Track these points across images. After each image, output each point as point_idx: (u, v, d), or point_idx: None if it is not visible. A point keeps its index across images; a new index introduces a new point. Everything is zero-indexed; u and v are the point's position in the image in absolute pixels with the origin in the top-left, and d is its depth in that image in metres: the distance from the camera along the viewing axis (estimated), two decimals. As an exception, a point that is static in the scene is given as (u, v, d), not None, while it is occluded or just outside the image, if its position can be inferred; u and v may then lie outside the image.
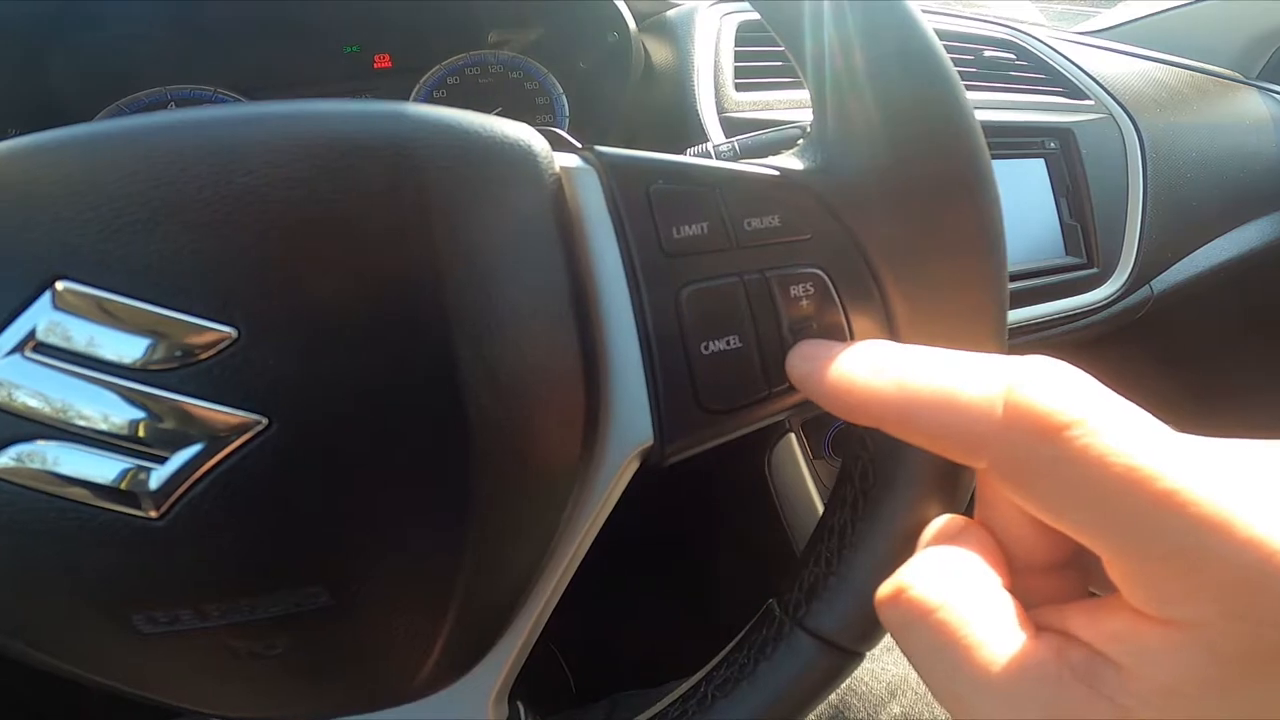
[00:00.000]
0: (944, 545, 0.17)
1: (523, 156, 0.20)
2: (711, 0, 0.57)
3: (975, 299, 0.23)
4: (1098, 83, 0.71)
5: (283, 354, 0.16)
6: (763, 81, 0.54)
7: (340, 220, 0.17)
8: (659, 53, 0.57)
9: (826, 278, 0.22)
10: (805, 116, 0.54)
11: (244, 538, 0.16)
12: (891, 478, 0.23)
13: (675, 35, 0.56)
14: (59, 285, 0.15)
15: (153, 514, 0.16)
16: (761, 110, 0.52)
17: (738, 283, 0.22)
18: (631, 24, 0.54)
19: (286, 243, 0.17)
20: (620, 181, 0.22)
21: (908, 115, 0.23)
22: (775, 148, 0.39)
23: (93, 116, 0.52)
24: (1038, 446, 0.14)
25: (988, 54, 0.65)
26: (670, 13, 0.59)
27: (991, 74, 0.65)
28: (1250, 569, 0.11)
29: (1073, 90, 0.69)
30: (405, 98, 0.60)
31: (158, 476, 0.16)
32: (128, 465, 0.15)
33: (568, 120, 0.62)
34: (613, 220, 0.22)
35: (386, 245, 0.18)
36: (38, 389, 0.15)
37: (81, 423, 0.15)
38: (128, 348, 0.15)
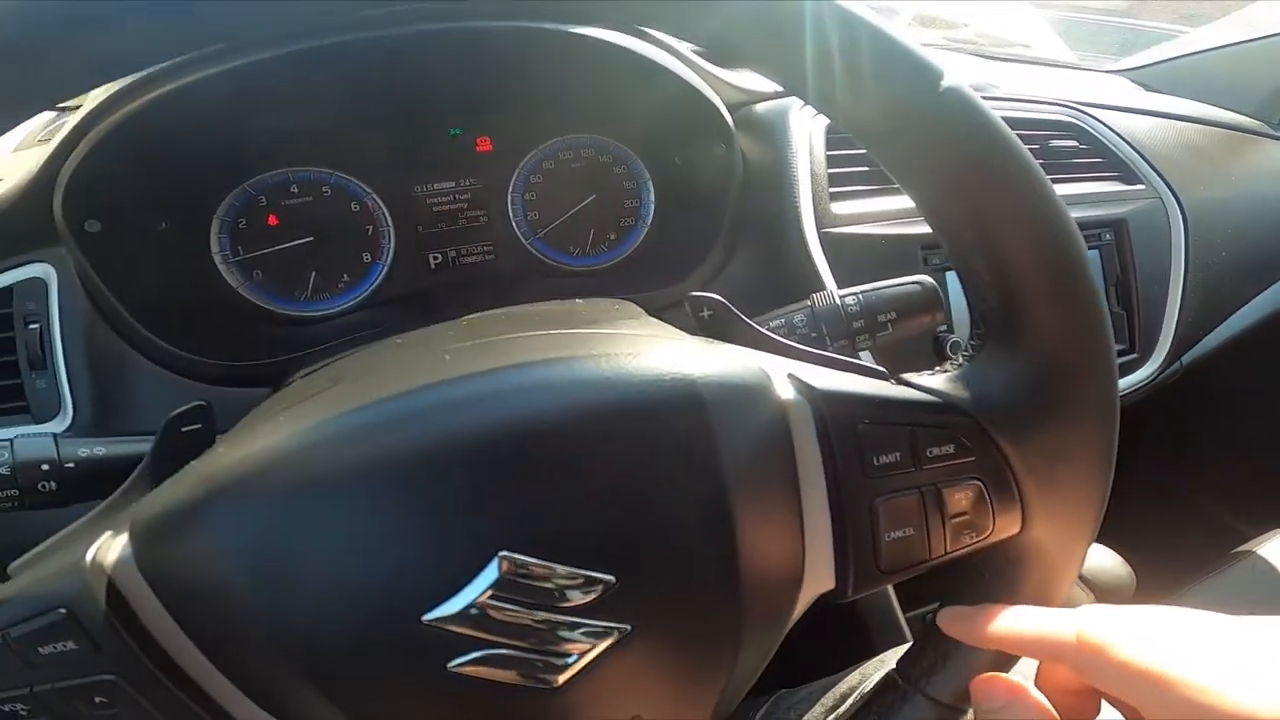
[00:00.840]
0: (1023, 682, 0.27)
1: (764, 395, 0.26)
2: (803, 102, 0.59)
3: (1086, 506, 0.30)
4: (1146, 159, 0.74)
5: (641, 584, 0.24)
6: (854, 190, 0.57)
7: (657, 475, 0.24)
8: (752, 150, 0.60)
9: (984, 486, 0.28)
10: (896, 230, 0.57)
11: (606, 696, 0.24)
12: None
13: (771, 137, 0.59)
14: (502, 553, 0.22)
15: (551, 687, 0.23)
16: (856, 225, 0.56)
17: (917, 495, 0.27)
18: (735, 135, 0.56)
19: (636, 503, 0.24)
20: (833, 418, 0.27)
21: (1063, 373, 0.28)
22: (896, 303, 0.43)
23: (214, 198, 0.55)
24: (1095, 658, 0.24)
25: (1053, 143, 0.68)
26: (761, 109, 0.61)
27: (1057, 164, 0.68)
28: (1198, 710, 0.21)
29: (1127, 174, 0.72)
30: (506, 180, 0.62)
31: (561, 666, 0.23)
32: (544, 659, 0.23)
33: (653, 209, 0.64)
34: (821, 448, 0.27)
35: (693, 483, 0.24)
36: (497, 614, 0.23)
37: (517, 634, 0.23)
38: (549, 592, 0.23)
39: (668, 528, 0.24)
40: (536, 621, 0.23)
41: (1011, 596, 0.30)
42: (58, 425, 0.46)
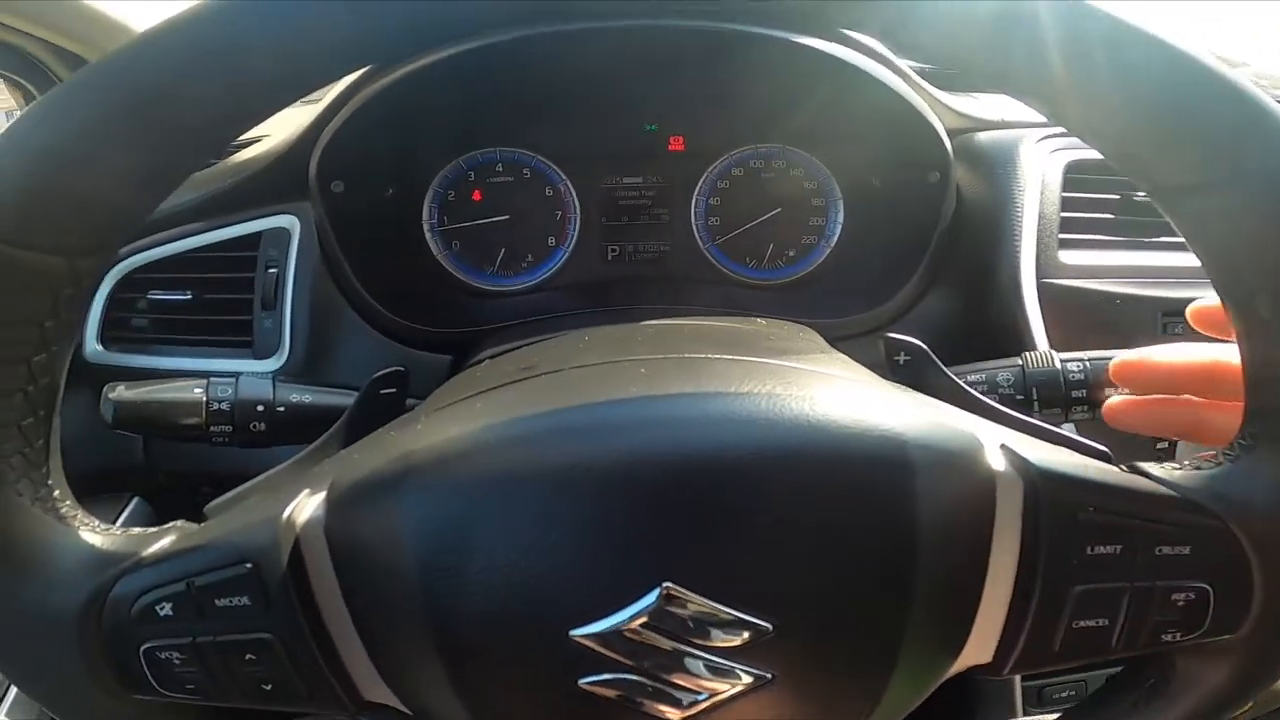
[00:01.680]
0: None
1: (974, 465, 0.24)
2: (1040, 134, 0.53)
3: None
4: None
5: (798, 637, 0.22)
6: (1089, 239, 0.50)
7: (846, 532, 0.22)
8: (968, 182, 0.54)
9: (1211, 592, 0.24)
10: (1134, 290, 0.49)
11: None
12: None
13: (993, 170, 0.53)
14: (666, 584, 0.21)
15: (680, 717, 0.23)
16: (1085, 278, 0.48)
17: (1127, 588, 0.24)
18: (953, 164, 0.51)
19: (817, 556, 0.22)
20: (1050, 500, 0.24)
21: None
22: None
23: (433, 169, 0.59)
24: None
25: None
26: (984, 139, 0.55)
27: None
28: None
29: None
30: (693, 182, 0.62)
31: (691, 703, 0.22)
32: (675, 694, 0.22)
33: (840, 230, 0.61)
34: (1024, 527, 0.24)
35: (883, 548, 0.22)
36: (640, 643, 0.22)
37: (656, 664, 0.22)
38: (702, 629, 0.22)
39: (842, 586, 0.22)
40: (678, 655, 0.22)
41: (1187, 700, 0.27)
42: (274, 363, 0.52)
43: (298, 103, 0.67)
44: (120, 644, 0.24)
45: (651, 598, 0.21)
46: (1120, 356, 0.34)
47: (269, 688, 0.24)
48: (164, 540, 0.25)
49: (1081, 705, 0.30)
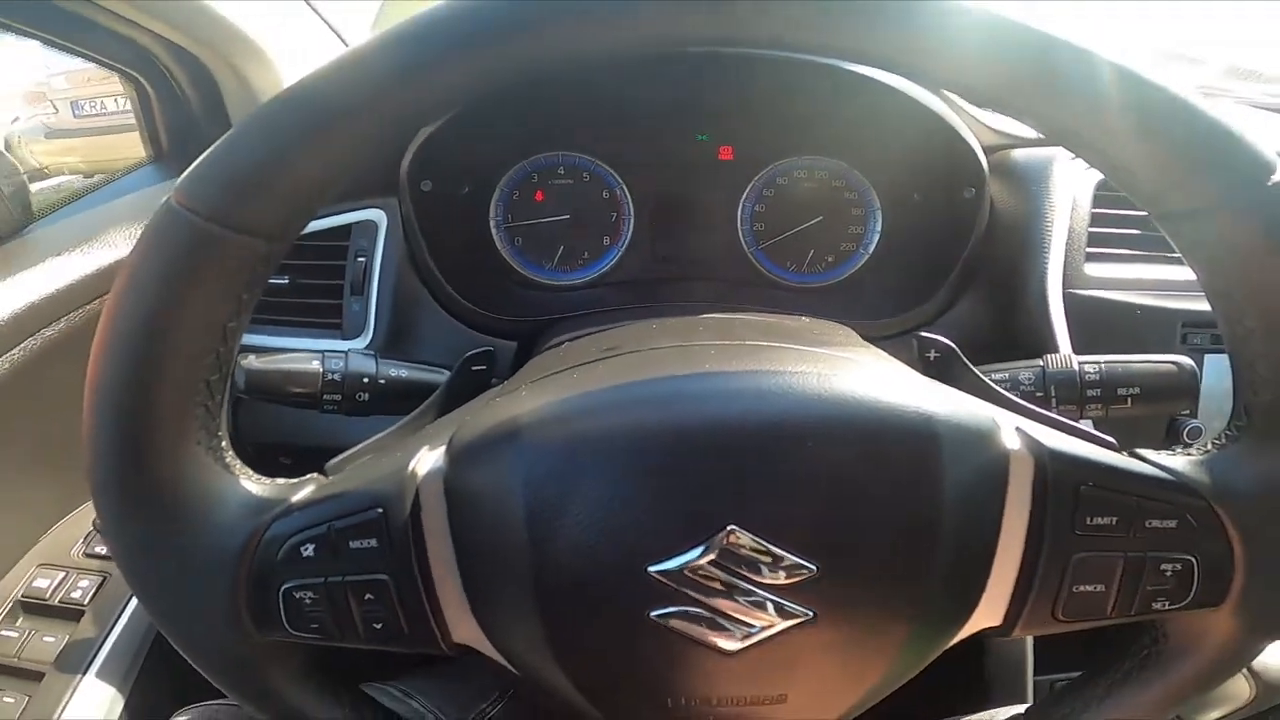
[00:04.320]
0: None
1: (992, 442, 0.27)
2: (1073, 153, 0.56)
3: None
4: None
5: (837, 580, 0.26)
6: (1115, 253, 0.53)
7: (882, 490, 0.26)
8: (1003, 196, 0.58)
9: (1195, 563, 0.28)
10: (1156, 302, 0.52)
11: (769, 670, 0.27)
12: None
13: (1027, 185, 0.56)
14: (732, 527, 0.26)
15: (725, 651, 0.26)
16: (1110, 290, 0.52)
17: (1121, 558, 0.28)
18: (987, 180, 0.55)
19: (855, 508, 0.26)
20: (1055, 475, 0.27)
21: None
22: (1144, 380, 0.40)
23: (501, 170, 0.64)
24: None
25: None
26: (1020, 155, 0.59)
27: None
28: None
29: None
30: (740, 189, 0.66)
31: (741, 635, 0.26)
32: (730, 625, 0.26)
33: (877, 239, 0.64)
34: (1033, 500, 0.27)
35: (912, 505, 0.26)
36: (707, 577, 0.26)
37: (716, 599, 0.26)
38: (758, 568, 0.26)
39: (877, 536, 0.26)
40: (737, 590, 0.26)
41: (1179, 666, 0.30)
42: (359, 343, 0.58)
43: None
44: (264, 583, 0.27)
45: (718, 538, 0.26)
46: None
47: (379, 626, 0.27)
48: (308, 489, 0.28)
49: (1081, 677, 0.34)
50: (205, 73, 0.70)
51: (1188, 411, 0.52)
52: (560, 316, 0.60)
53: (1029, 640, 0.64)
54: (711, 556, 0.26)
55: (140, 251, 0.25)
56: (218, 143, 0.25)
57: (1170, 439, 0.52)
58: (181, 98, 0.72)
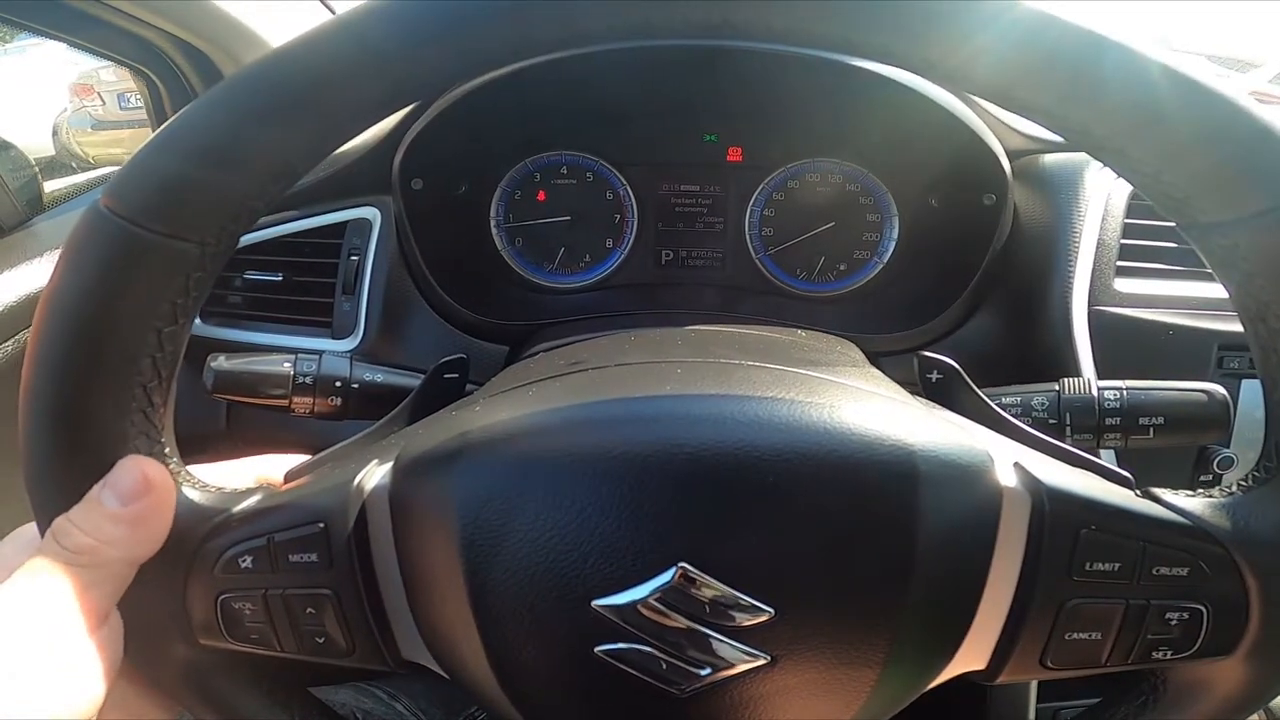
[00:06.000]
0: None
1: (981, 480, 0.25)
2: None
3: None
4: None
5: (795, 624, 0.24)
6: (1148, 267, 0.49)
7: (849, 531, 0.24)
8: (1028, 204, 0.54)
9: (1206, 614, 0.25)
10: (1191, 322, 0.48)
11: (725, 716, 0.25)
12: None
13: (1055, 192, 0.52)
14: (682, 564, 0.24)
15: (676, 693, 0.25)
16: (1140, 308, 0.48)
17: (1122, 605, 0.25)
18: (1010, 186, 0.51)
19: (820, 552, 0.24)
20: (1054, 517, 0.25)
21: None
22: (1170, 410, 0.37)
23: (502, 170, 0.63)
24: None
25: None
26: (1049, 161, 0.55)
27: None
28: None
29: None
30: (749, 192, 0.63)
31: (694, 677, 0.24)
32: (681, 666, 0.24)
33: (893, 248, 0.61)
34: (1028, 545, 0.25)
35: (882, 551, 0.24)
36: (654, 617, 0.24)
37: (665, 638, 0.24)
38: (709, 609, 0.24)
39: (843, 582, 0.24)
40: (686, 632, 0.24)
41: (1187, 714, 0.28)
42: (349, 343, 0.57)
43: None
44: (202, 592, 0.26)
45: (668, 575, 0.23)
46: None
47: (321, 640, 0.26)
48: (251, 499, 0.27)
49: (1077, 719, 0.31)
50: (212, 67, 0.70)
51: (1220, 441, 0.48)
52: (551, 321, 0.58)
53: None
54: (660, 594, 0.24)
55: (65, 255, 0.24)
56: (146, 143, 0.24)
57: (1200, 469, 0.48)
58: (191, 92, 0.73)
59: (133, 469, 0.26)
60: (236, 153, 0.23)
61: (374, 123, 0.24)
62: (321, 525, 0.26)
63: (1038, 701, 0.57)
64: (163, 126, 0.24)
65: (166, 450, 0.27)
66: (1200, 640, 0.25)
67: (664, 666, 0.24)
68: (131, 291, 0.24)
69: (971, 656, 0.26)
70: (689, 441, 0.24)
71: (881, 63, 0.30)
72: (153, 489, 0.26)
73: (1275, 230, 0.22)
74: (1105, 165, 0.25)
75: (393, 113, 0.25)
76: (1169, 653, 0.25)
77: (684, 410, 0.25)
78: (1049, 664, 0.26)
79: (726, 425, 0.24)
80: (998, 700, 0.57)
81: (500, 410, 0.27)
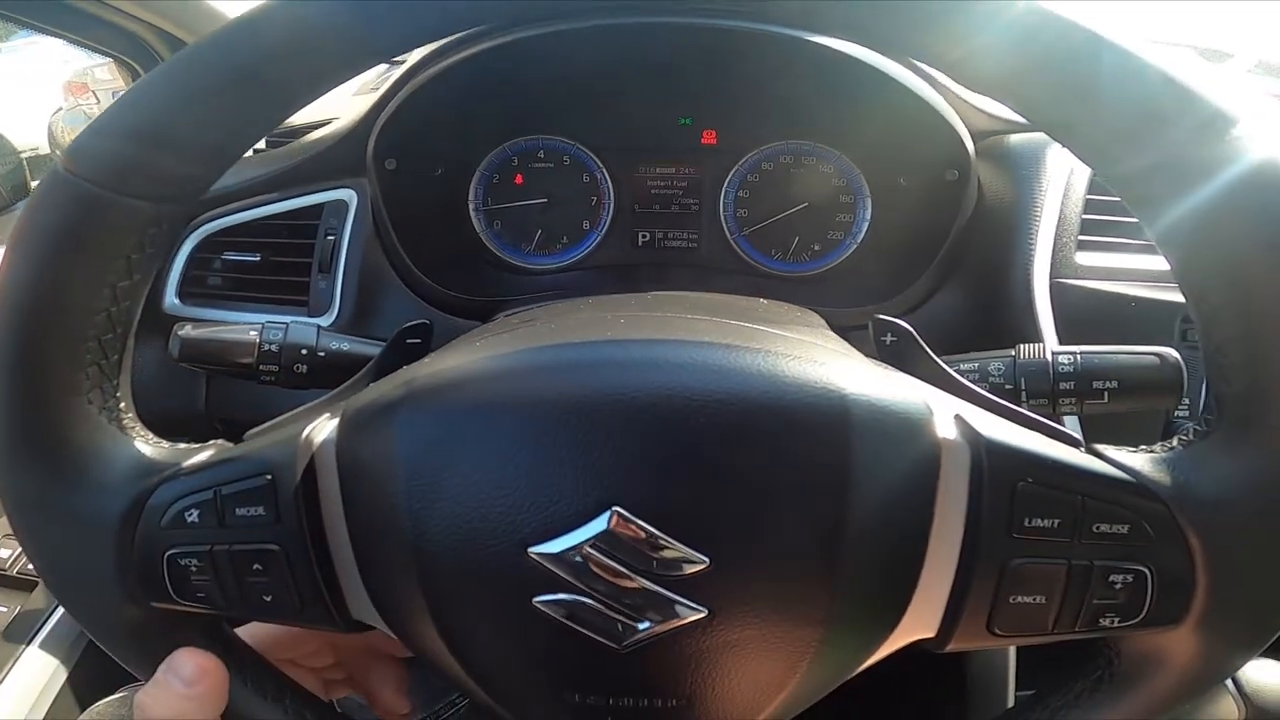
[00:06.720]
0: None
1: (919, 430, 0.25)
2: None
3: (1270, 618, 0.26)
4: None
5: (732, 576, 0.24)
6: (1109, 241, 0.50)
7: (781, 478, 0.24)
8: (993, 181, 0.55)
9: (1150, 575, 0.25)
10: (1153, 294, 0.49)
11: (665, 670, 0.25)
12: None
13: (1018, 170, 0.53)
14: (616, 509, 0.24)
15: (616, 646, 0.24)
16: (1101, 280, 0.48)
17: (1064, 566, 0.25)
18: (973, 164, 0.52)
19: (751, 498, 0.24)
20: (992, 470, 0.24)
21: None
22: (1122, 373, 0.37)
23: (481, 153, 0.63)
24: None
25: None
26: (1015, 140, 0.56)
27: None
28: None
29: None
30: (724, 174, 0.64)
31: (632, 630, 0.24)
32: (619, 619, 0.24)
33: (866, 227, 0.62)
34: (970, 499, 0.25)
35: (813, 498, 0.24)
36: (592, 564, 0.24)
37: (602, 589, 0.24)
38: (645, 558, 0.24)
39: (775, 532, 0.24)
40: (624, 582, 0.24)
41: (1134, 691, 0.27)
42: (325, 320, 0.58)
43: (362, 90, 0.73)
44: (149, 549, 0.26)
45: (601, 520, 0.23)
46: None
47: (268, 599, 0.26)
48: (203, 454, 0.28)
49: (1029, 698, 0.30)
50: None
51: (1185, 410, 0.49)
52: (528, 297, 0.59)
53: (1011, 648, 0.61)
54: (595, 542, 0.24)
55: (25, 213, 0.25)
56: (108, 106, 0.25)
57: (1166, 439, 0.49)
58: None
59: (188, 660, 0.28)
60: (187, 115, 0.24)
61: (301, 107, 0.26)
62: (269, 478, 0.25)
63: (1018, 690, 0.57)
64: (127, 89, 0.25)
65: (121, 405, 0.28)
66: (1147, 606, 0.25)
67: (603, 618, 0.24)
68: (86, 247, 0.25)
69: (920, 621, 0.26)
70: (622, 385, 0.24)
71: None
72: (207, 675, 0.28)
73: (1210, 212, 0.22)
74: (1026, 120, 0.25)
75: (324, 92, 0.25)
76: (1116, 619, 0.25)
77: (620, 355, 0.25)
78: (996, 630, 0.25)
79: (660, 369, 0.24)
80: (979, 674, 0.58)
81: (446, 359, 0.27)
